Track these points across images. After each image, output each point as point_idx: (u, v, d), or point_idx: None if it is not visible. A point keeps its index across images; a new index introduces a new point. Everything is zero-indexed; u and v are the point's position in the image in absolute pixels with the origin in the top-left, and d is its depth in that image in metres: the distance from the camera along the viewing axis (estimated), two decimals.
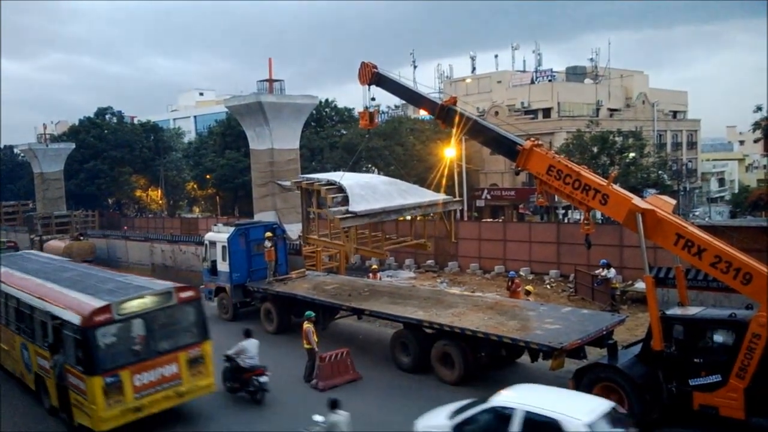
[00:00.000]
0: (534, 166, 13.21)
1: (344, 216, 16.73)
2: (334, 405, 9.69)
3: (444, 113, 15.25)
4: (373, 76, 17.01)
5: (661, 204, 12.15)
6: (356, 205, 17.07)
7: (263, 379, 13.66)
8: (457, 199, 21.02)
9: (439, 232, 22.39)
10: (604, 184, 12.33)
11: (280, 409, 13.56)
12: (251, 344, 14.04)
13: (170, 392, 12.38)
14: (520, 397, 9.42)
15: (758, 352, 10.31)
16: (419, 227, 20.47)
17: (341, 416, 9.66)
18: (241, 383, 13.93)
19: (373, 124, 18.16)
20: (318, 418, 9.82)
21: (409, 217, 19.46)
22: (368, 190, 18.25)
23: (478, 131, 15.10)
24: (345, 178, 18.49)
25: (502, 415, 9.08)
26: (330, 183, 18.32)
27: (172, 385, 12.39)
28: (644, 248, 11.69)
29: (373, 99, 18.08)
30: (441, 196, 19.90)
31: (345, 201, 17.28)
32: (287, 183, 30.57)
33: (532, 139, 13.72)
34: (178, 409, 13.04)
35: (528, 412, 8.86)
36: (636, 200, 12.12)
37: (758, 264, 10.72)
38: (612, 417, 9.05)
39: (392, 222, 19.35)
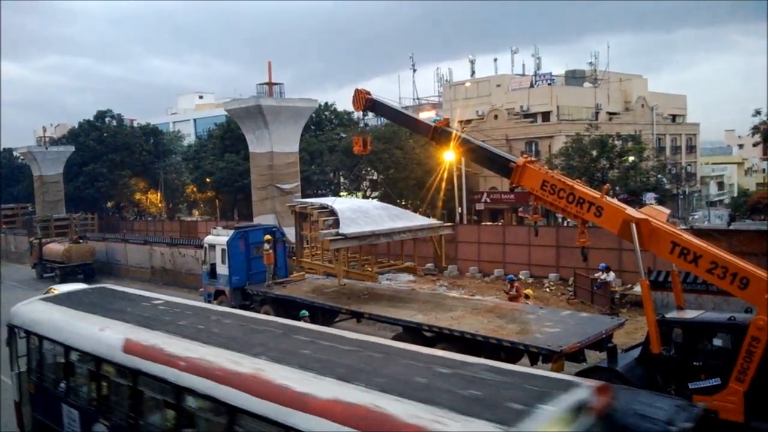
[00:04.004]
0: (528, 182, 13.42)
1: (334, 238, 17.07)
2: None
3: (437, 135, 15.69)
4: (367, 102, 17.63)
5: (656, 214, 12.27)
6: (346, 228, 17.42)
7: None
8: (448, 224, 21.67)
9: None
10: (598, 196, 12.47)
11: None
12: None
13: None
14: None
15: (757, 355, 10.33)
16: (410, 249, 21.04)
17: None
18: None
19: (366, 149, 18.87)
20: None
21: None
22: (359, 213, 18.69)
23: (471, 151, 15.60)
24: (337, 203, 19.18)
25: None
26: (322, 206, 18.88)
27: None
28: (639, 253, 11.75)
29: (366, 125, 18.57)
30: (432, 221, 20.56)
31: (336, 224, 17.68)
32: (287, 186, 30.66)
33: (525, 155, 14.03)
34: None
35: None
36: (630, 210, 12.21)
37: (755, 268, 10.76)
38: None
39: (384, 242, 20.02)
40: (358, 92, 17.73)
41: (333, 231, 17.32)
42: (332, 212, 18.24)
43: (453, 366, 7.08)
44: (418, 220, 20.33)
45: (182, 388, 7.78)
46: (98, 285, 14.51)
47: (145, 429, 8.61)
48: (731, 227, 26.77)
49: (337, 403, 6.15)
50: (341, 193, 50.19)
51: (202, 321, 9.77)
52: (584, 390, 6.32)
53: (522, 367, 8.33)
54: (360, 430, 5.73)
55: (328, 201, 19.79)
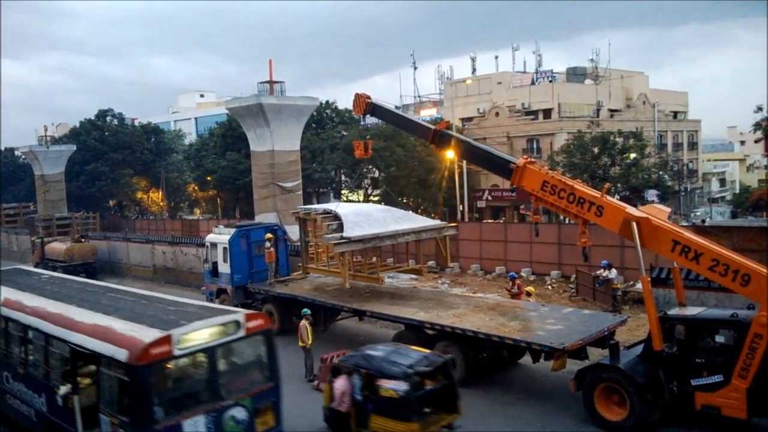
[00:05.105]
0: (528, 183, 13.46)
1: (338, 242, 17.12)
2: None
3: (438, 138, 15.76)
4: (367, 106, 17.74)
5: (656, 212, 12.28)
6: (350, 231, 17.47)
7: None
8: (452, 224, 21.68)
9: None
10: (598, 196, 12.52)
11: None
12: None
13: None
14: None
15: (760, 352, 10.35)
16: (413, 247, 21.11)
17: None
18: None
19: (367, 153, 18.94)
20: None
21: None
22: (363, 217, 18.77)
23: (471, 153, 15.75)
24: (340, 207, 19.30)
25: None
26: (326, 212, 18.96)
27: None
28: (640, 251, 11.76)
29: (367, 128, 18.62)
30: (436, 222, 20.61)
31: (340, 228, 17.74)
32: (288, 184, 30.67)
33: (525, 156, 14.06)
34: None
35: None
36: (630, 209, 12.22)
37: (756, 265, 10.76)
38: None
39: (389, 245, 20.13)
40: (358, 96, 17.84)
41: (337, 235, 17.39)
42: (336, 217, 18.30)
43: (177, 306, 11.25)
44: (421, 221, 20.36)
45: (26, 326, 11.85)
46: (13, 267, 19.33)
47: (10, 358, 12.43)
48: (706, 224, 27.41)
49: (93, 326, 10.26)
50: (342, 191, 50.21)
51: (60, 287, 13.90)
52: (239, 314, 10.20)
53: (214, 305, 14.16)
54: (97, 339, 9.73)
55: (332, 206, 19.91)
